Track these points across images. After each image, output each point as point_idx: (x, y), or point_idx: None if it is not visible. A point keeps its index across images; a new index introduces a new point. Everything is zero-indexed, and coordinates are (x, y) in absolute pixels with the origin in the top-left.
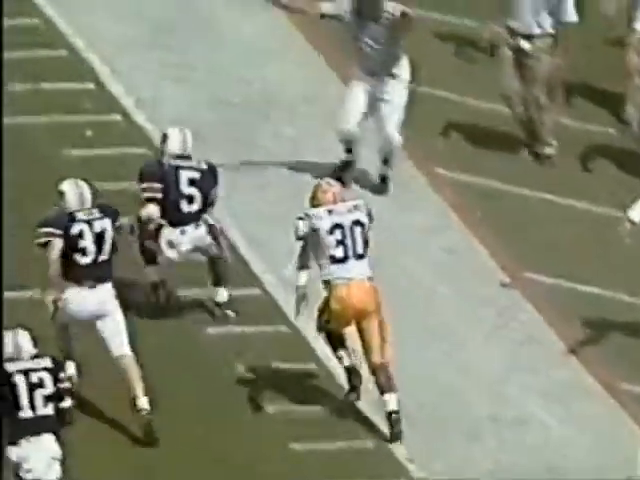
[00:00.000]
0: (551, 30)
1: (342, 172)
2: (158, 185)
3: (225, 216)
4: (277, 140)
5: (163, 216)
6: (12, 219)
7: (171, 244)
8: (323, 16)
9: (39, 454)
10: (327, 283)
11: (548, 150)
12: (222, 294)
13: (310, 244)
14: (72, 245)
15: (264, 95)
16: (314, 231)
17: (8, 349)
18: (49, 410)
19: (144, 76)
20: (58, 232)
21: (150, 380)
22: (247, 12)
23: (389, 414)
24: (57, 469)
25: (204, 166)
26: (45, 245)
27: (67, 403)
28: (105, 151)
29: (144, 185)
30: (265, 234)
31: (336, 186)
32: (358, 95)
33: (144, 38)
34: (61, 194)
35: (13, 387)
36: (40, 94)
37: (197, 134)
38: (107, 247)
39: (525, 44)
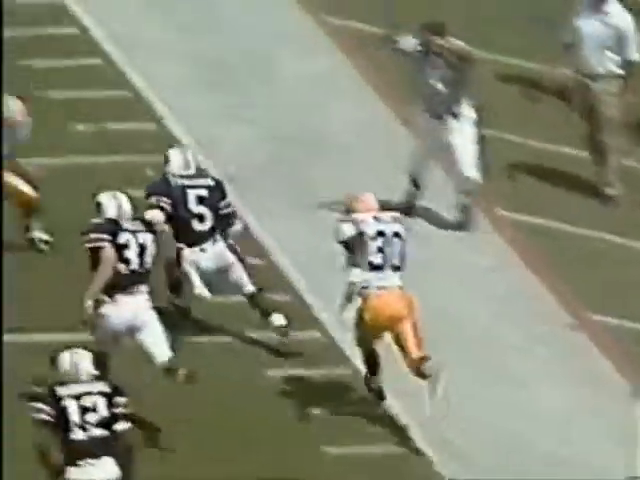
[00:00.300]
0: (617, 70)
1: (409, 207)
2: (166, 199)
3: (283, 257)
4: (335, 179)
5: (178, 239)
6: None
7: (194, 264)
8: (395, 50)
9: (96, 476)
10: (362, 289)
11: (612, 191)
12: (278, 318)
13: (349, 249)
14: (117, 253)
15: (322, 134)
16: (359, 235)
17: (64, 368)
18: (103, 433)
19: (203, 116)
20: (107, 237)
21: (209, 417)
22: (307, 53)
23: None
24: None
25: (211, 182)
26: (94, 250)
27: (122, 426)
28: None
29: (152, 199)
30: (324, 274)
31: (371, 197)
32: (458, 141)
33: (204, 78)
34: (98, 205)
35: (63, 410)
36: (101, 134)
37: (255, 172)
38: (147, 260)
39: (591, 85)
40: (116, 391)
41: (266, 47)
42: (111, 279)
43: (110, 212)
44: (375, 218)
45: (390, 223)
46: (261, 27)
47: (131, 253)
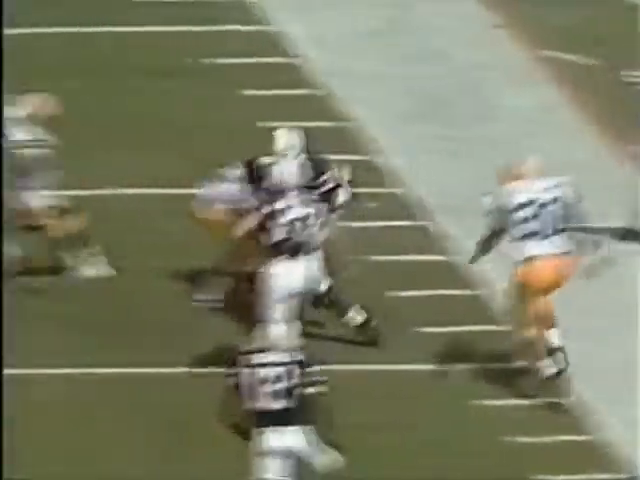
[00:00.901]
0: None
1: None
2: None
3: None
4: None
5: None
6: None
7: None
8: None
9: (283, 444)
10: (516, 259)
11: None
12: (353, 316)
13: (498, 221)
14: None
15: None
16: (503, 208)
17: (262, 339)
18: (291, 401)
19: (422, 149)
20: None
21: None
22: (521, 85)
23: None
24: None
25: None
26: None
27: (310, 394)
28: (383, 223)
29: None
30: None
31: (536, 161)
32: None
33: (422, 111)
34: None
35: (253, 378)
36: None
37: (462, 202)
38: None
39: None
40: (305, 360)
41: (479, 79)
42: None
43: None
44: (519, 190)
45: (541, 192)
46: (475, 59)
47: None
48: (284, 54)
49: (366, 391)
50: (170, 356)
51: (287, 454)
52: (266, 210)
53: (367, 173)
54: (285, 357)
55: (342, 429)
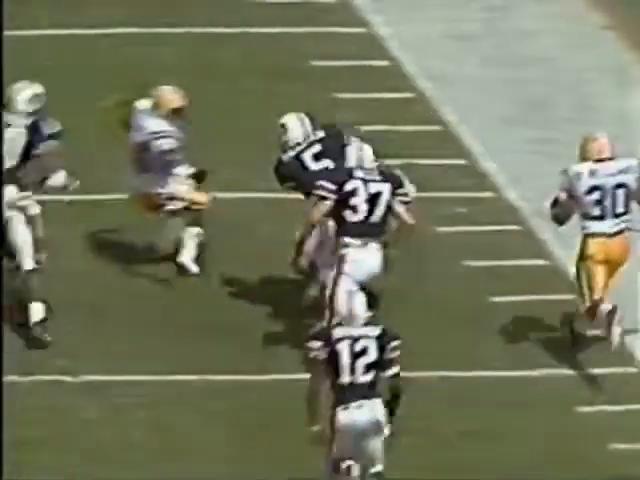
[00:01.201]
0: None
1: None
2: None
3: None
4: None
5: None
6: None
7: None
8: None
9: (363, 418)
10: (584, 236)
11: None
12: None
13: (570, 199)
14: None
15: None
16: (572, 189)
17: (342, 312)
18: (372, 377)
19: (516, 153)
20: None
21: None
22: (625, 88)
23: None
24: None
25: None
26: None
27: (392, 371)
28: (477, 228)
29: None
30: None
31: (606, 138)
32: None
33: (517, 115)
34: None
35: (337, 353)
36: (411, 169)
37: None
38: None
39: None
40: (388, 335)
41: (582, 81)
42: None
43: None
44: (591, 172)
45: (610, 176)
46: (578, 61)
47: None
48: (380, 57)
49: (464, 398)
50: (253, 362)
51: (367, 428)
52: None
53: (462, 177)
54: (374, 331)
55: (437, 436)
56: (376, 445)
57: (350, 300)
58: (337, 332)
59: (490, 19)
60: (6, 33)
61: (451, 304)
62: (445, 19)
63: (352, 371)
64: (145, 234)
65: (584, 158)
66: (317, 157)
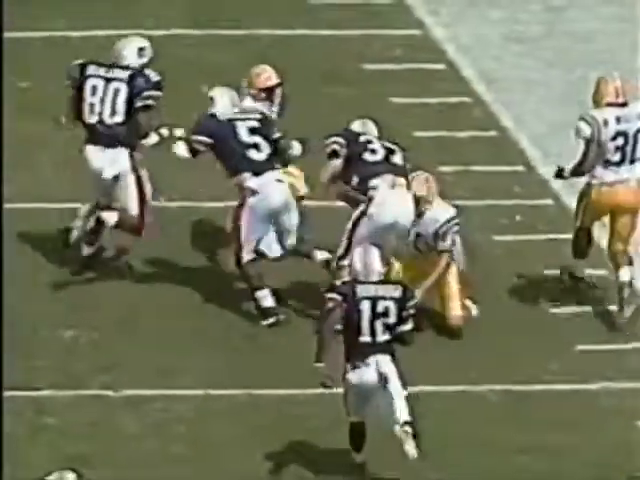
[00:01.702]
0: None
1: None
2: (208, 139)
3: None
4: None
5: (237, 173)
6: None
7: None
8: None
9: (370, 378)
10: (590, 185)
11: None
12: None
13: (592, 146)
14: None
15: None
16: (597, 135)
17: (357, 267)
18: (388, 336)
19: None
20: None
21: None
22: None
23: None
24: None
25: (259, 115)
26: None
27: (407, 327)
28: (533, 237)
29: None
30: None
31: (619, 80)
32: None
33: (576, 119)
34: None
35: (358, 311)
36: (467, 176)
37: None
38: None
39: None
40: (407, 295)
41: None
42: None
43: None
44: (617, 119)
45: (634, 120)
46: (638, 63)
47: None
48: (435, 60)
49: (522, 412)
50: (296, 376)
51: (375, 386)
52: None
53: (520, 184)
54: (395, 291)
55: (498, 452)
56: (387, 401)
57: (366, 254)
58: (360, 290)
59: (550, 20)
60: (72, 34)
61: (508, 315)
62: (503, 20)
63: (371, 331)
64: (180, 247)
65: (597, 101)
66: (252, 131)
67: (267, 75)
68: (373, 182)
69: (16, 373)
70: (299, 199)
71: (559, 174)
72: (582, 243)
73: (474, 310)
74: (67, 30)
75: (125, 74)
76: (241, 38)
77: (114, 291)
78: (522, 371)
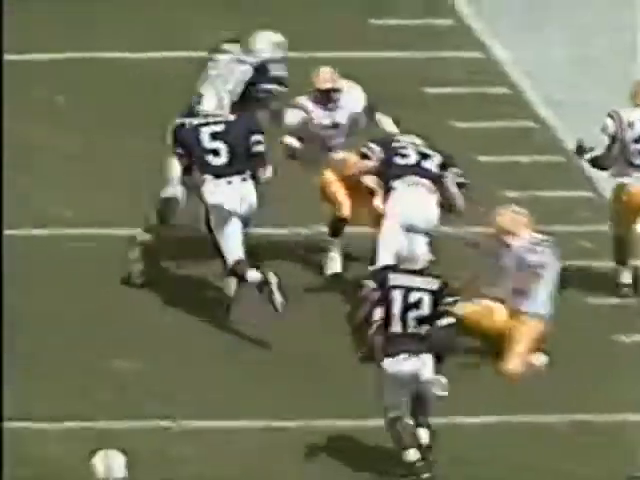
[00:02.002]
0: None
1: None
2: (181, 148)
3: None
4: None
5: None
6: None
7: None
8: None
9: (410, 370)
10: (619, 184)
11: None
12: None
13: (615, 145)
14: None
15: None
16: (621, 135)
17: (402, 253)
18: (423, 329)
19: None
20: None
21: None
22: None
23: None
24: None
25: (231, 117)
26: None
27: (445, 322)
28: (601, 263)
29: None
30: None
31: None
32: None
33: None
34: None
35: (390, 300)
36: (533, 201)
37: None
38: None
39: None
40: (444, 289)
41: None
42: None
43: None
44: None
45: None
46: None
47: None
48: (498, 83)
49: (594, 443)
50: (352, 407)
51: (412, 381)
52: None
53: (586, 210)
54: (433, 284)
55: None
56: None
57: (410, 241)
58: (393, 277)
59: (615, 43)
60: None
61: (578, 343)
62: (567, 42)
63: (403, 322)
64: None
65: (638, 104)
66: (214, 136)
67: (324, 77)
68: (394, 183)
69: (75, 403)
70: (342, 221)
71: (579, 150)
72: (624, 249)
73: (540, 360)
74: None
75: (255, 60)
76: (302, 60)
77: (174, 321)
78: (592, 401)
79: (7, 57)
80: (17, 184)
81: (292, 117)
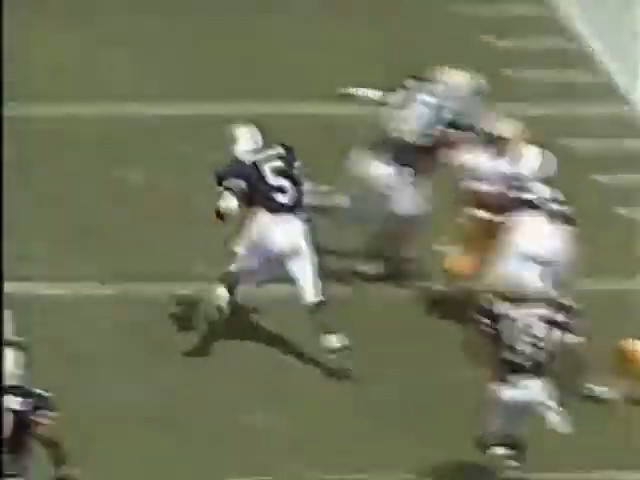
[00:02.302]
0: None
1: None
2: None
3: None
4: None
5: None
6: None
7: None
8: None
9: (523, 396)
10: None
11: None
12: (334, 340)
13: None
14: None
15: None
16: None
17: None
18: (535, 353)
19: None
20: None
21: None
22: None
23: None
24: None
25: (282, 150)
26: None
27: (569, 340)
28: None
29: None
30: None
31: None
32: None
33: None
34: None
35: (500, 328)
36: (620, 186)
37: None
38: None
39: None
40: (561, 309)
41: None
42: None
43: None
44: None
45: None
46: None
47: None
48: (587, 70)
49: None
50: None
51: (526, 407)
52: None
53: None
54: (543, 309)
55: None
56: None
57: (519, 273)
58: (500, 308)
59: None
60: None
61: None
62: None
63: (513, 349)
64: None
65: None
66: (277, 172)
67: (504, 126)
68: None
69: (200, 462)
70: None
71: None
72: None
73: None
74: None
75: (434, 101)
76: None
77: (307, 378)
78: None
79: None
80: None
81: None
